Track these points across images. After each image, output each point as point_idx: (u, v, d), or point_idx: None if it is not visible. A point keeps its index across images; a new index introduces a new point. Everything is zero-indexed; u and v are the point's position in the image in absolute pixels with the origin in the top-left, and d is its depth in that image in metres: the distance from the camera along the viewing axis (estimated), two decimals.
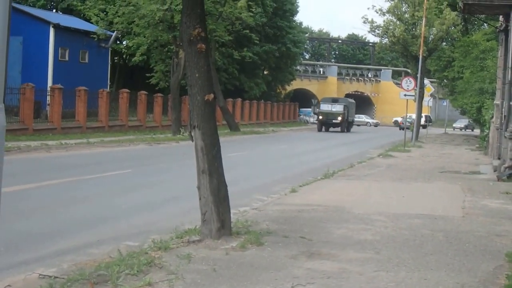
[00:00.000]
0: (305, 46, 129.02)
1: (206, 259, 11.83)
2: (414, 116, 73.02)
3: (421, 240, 14.69)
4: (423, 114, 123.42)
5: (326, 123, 78.39)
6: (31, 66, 58.66)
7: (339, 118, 77.54)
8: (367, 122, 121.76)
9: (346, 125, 79.22)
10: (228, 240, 13.33)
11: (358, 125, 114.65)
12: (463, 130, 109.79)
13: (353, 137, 69.65)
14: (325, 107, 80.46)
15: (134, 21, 56.24)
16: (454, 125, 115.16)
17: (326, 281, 10.67)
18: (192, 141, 13.89)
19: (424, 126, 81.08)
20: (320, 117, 79.23)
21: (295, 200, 20.26)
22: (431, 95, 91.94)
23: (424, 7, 66.53)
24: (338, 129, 77.82)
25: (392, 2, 79.45)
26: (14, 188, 17.92)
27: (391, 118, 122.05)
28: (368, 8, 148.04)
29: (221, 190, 13.78)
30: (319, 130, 77.84)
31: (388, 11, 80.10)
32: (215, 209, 13.61)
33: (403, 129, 60.32)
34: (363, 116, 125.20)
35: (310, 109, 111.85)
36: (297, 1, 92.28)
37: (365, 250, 13.23)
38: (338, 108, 79.07)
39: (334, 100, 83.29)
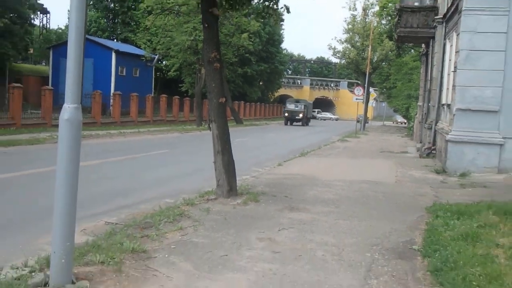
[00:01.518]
0: (288, 65, 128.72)
1: (219, 211, 11.90)
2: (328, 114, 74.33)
3: (367, 198, 14.74)
4: (332, 114, 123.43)
5: (290, 119, 75.60)
6: (99, 79, 58.81)
7: (300, 115, 74.90)
8: (331, 118, 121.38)
9: (306, 121, 76.44)
10: (235, 198, 13.42)
11: (324, 120, 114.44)
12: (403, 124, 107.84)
13: (320, 128, 69.49)
14: (290, 106, 78.01)
15: (170, 48, 56.64)
16: (398, 120, 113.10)
17: (302, 226, 10.73)
18: (210, 130, 13.99)
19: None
20: (286, 114, 76.78)
21: (281, 171, 20.25)
22: (375, 99, 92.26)
23: (370, 38, 66.73)
24: (299, 123, 74.79)
25: (348, 34, 79.92)
26: (87, 163, 17.92)
27: (347, 115, 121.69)
28: (332, 39, 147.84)
29: (230, 164, 13.86)
30: (285, 124, 75.18)
31: (345, 41, 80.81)
32: (226, 177, 13.70)
33: (358, 122, 60.77)
34: (328, 113, 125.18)
35: None
36: (283, 33, 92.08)
37: (329, 205, 13.27)
38: (299, 107, 76.58)
39: (296, 101, 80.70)
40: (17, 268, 7.42)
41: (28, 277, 6.96)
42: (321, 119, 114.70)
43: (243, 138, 36.83)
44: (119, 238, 8.99)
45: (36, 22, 68.22)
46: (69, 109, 6.75)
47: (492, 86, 19.69)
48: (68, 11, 6.56)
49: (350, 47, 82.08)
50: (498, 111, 19.69)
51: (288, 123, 74.10)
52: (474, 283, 7.04)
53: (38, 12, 62.91)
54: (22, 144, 27.68)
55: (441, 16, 27.45)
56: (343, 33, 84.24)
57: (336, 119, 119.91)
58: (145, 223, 10.43)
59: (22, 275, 7.07)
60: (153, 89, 66.86)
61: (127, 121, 50.55)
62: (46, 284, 6.73)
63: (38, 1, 60.30)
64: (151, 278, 7.43)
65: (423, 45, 37.57)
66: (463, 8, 20.23)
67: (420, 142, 33.85)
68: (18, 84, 40.09)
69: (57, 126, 6.98)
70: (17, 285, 6.65)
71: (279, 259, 8.50)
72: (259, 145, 35.51)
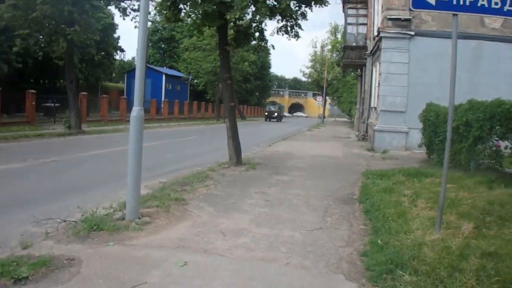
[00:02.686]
0: (274, 82, 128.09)
1: (231, 175, 11.94)
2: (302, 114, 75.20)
3: (324, 166, 14.78)
4: (304, 113, 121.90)
5: (269, 116, 69.36)
6: (155, 91, 58.54)
7: (276, 114, 69.58)
8: (302, 115, 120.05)
9: (280, 118, 70.90)
10: (240, 167, 13.45)
11: (299, 117, 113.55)
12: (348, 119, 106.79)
13: (294, 122, 69.13)
14: (268, 107, 72.91)
15: (199, 71, 56.94)
16: (345, 118, 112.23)
17: (283, 184, 10.81)
18: (225, 123, 14.04)
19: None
20: (266, 113, 70.93)
21: (270, 150, 20.23)
22: (329, 104, 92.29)
23: (326, 65, 67.25)
24: (275, 120, 68.94)
25: (312, 63, 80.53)
26: (147, 144, 17.79)
27: (312, 114, 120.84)
28: (302, 65, 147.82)
29: (237, 145, 13.98)
30: (265, 120, 68.97)
31: (310, 67, 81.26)
32: (235, 153, 13.80)
33: (319, 118, 60.94)
34: (301, 113, 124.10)
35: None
36: (271, 61, 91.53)
37: (301, 171, 13.30)
38: (275, 108, 71.68)
39: (273, 104, 75.89)
40: (106, 208, 7.67)
41: (112, 214, 7.17)
42: (297, 117, 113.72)
43: (245, 129, 36.76)
44: (168, 191, 9.12)
45: (117, 57, 69.34)
46: (136, 110, 7.03)
47: (401, 96, 20.31)
48: (136, 49, 6.66)
49: (313, 71, 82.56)
50: (404, 112, 20.27)
51: (268, 120, 68.74)
52: (389, 218, 7.18)
53: (118, 51, 63.88)
54: (108, 132, 27.82)
55: (369, 52, 27.68)
56: (309, 62, 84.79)
57: (306, 117, 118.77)
58: (184, 182, 10.49)
59: (109, 213, 7.31)
60: (188, 98, 66.69)
61: (172, 118, 50.60)
62: (123, 218, 6.93)
63: (118, 44, 61.47)
64: (187, 216, 7.51)
65: (359, 70, 37.57)
66: (382, 47, 20.83)
67: (358, 131, 33.89)
68: (106, 95, 41.77)
69: (129, 121, 7.10)
70: (106, 218, 6.85)
71: (269, 205, 8.55)
72: (256, 133, 35.48)
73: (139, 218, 6.96)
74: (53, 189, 9.98)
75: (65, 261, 5.24)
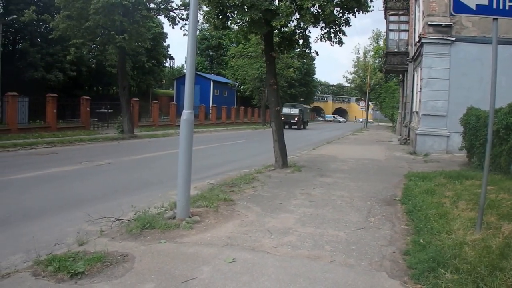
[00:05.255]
0: (318, 88, 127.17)
1: (277, 177, 11.96)
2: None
3: (367, 169, 14.58)
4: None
5: (286, 122, 48.38)
6: (203, 97, 59.30)
7: (296, 119, 52.76)
8: (345, 120, 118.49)
9: (302, 124, 54.66)
10: (286, 169, 13.45)
11: (356, 122, 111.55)
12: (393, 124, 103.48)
13: (337, 127, 68.82)
14: (286, 110, 51.55)
15: (246, 78, 57.38)
16: (387, 122, 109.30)
17: (327, 186, 10.73)
18: (271, 127, 14.07)
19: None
20: (283, 118, 49.35)
21: (315, 153, 20.18)
22: (372, 108, 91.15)
23: (369, 71, 66.36)
24: (295, 127, 52.52)
25: (355, 69, 79.90)
26: (196, 147, 18.05)
27: (356, 119, 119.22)
28: (345, 71, 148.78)
29: (283, 148, 13.97)
30: (283, 127, 53.24)
31: (353, 73, 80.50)
32: (281, 156, 13.79)
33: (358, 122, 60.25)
34: (360, 118, 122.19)
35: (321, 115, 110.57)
36: (315, 68, 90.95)
37: (344, 173, 13.19)
38: (294, 111, 53.55)
39: (292, 105, 56.04)
40: (157, 208, 7.83)
41: (164, 213, 7.27)
42: (355, 122, 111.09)
43: (290, 133, 36.79)
44: (216, 192, 9.22)
45: (166, 64, 70.75)
46: (186, 113, 7.10)
47: (442, 100, 20.03)
48: (185, 57, 6.91)
49: (356, 76, 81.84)
50: (446, 116, 20.02)
51: (286, 127, 46.85)
52: (431, 218, 7.09)
53: (167, 59, 65.12)
54: (159, 137, 28.49)
55: (411, 58, 27.35)
56: (352, 68, 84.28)
57: (361, 121, 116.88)
58: (232, 183, 10.58)
59: (160, 212, 7.44)
60: (235, 103, 67.21)
61: (220, 123, 51.26)
62: (174, 217, 7.03)
63: (168, 52, 62.57)
64: (236, 215, 7.59)
65: (401, 75, 37.05)
66: (423, 53, 20.60)
67: (400, 135, 33.38)
68: (156, 101, 42.32)
69: (179, 125, 7.22)
70: (158, 217, 6.99)
71: (314, 205, 8.54)
72: (300, 137, 35.42)
73: (190, 217, 7.07)
74: (107, 190, 10.29)
75: (119, 257, 5.40)
